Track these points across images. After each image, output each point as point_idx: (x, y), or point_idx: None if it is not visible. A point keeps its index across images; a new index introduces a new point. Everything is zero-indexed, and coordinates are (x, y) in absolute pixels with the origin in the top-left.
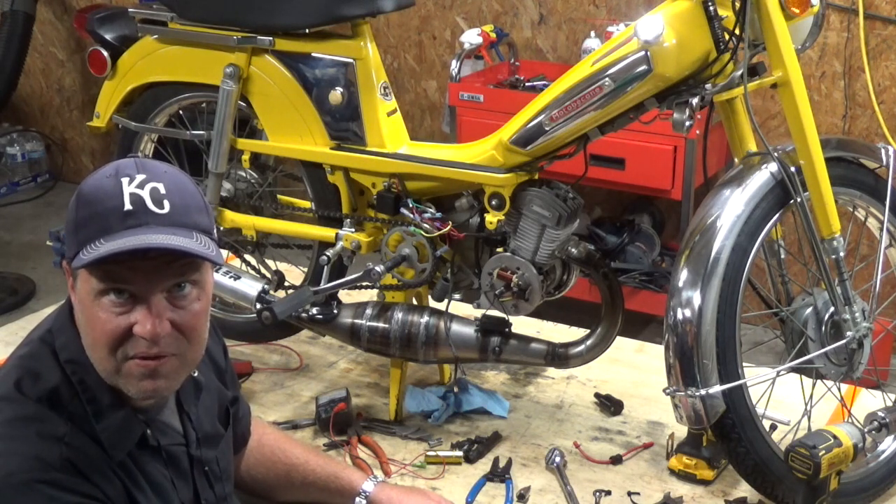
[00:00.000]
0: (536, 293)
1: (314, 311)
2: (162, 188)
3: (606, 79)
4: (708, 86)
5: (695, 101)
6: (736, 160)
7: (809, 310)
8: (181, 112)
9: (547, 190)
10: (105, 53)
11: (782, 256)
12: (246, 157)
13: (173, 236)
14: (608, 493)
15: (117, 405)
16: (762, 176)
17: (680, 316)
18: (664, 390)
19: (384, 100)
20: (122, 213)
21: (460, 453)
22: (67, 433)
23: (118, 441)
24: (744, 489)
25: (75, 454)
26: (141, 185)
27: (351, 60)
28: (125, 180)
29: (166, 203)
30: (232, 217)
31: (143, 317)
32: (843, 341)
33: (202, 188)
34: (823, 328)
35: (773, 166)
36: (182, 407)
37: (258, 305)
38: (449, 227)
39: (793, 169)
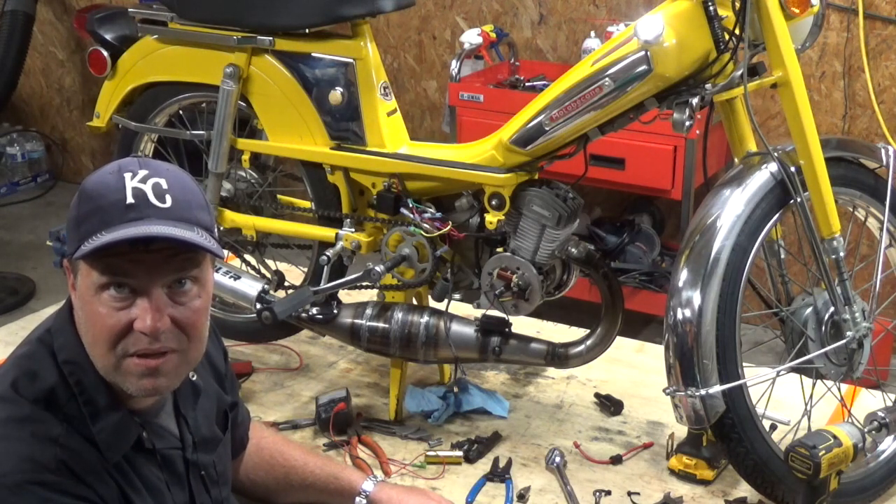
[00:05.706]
0: (536, 293)
1: (314, 311)
2: (164, 183)
3: (606, 79)
4: (708, 86)
5: (695, 101)
6: (736, 160)
7: (809, 310)
8: (181, 112)
9: (547, 190)
10: (105, 53)
11: (782, 256)
12: (246, 157)
13: (175, 228)
14: (608, 493)
15: (114, 407)
16: (762, 176)
17: (680, 316)
18: (664, 390)
19: (384, 100)
20: (123, 206)
21: (460, 453)
22: (62, 434)
23: (114, 443)
24: (744, 489)
25: (70, 456)
26: (143, 180)
27: (351, 60)
28: (128, 175)
29: (168, 198)
30: (232, 217)
31: (143, 311)
32: (843, 341)
33: (202, 188)
34: (823, 328)
35: (773, 166)
36: (179, 410)
37: (258, 305)
38: (449, 227)
39: (793, 169)
